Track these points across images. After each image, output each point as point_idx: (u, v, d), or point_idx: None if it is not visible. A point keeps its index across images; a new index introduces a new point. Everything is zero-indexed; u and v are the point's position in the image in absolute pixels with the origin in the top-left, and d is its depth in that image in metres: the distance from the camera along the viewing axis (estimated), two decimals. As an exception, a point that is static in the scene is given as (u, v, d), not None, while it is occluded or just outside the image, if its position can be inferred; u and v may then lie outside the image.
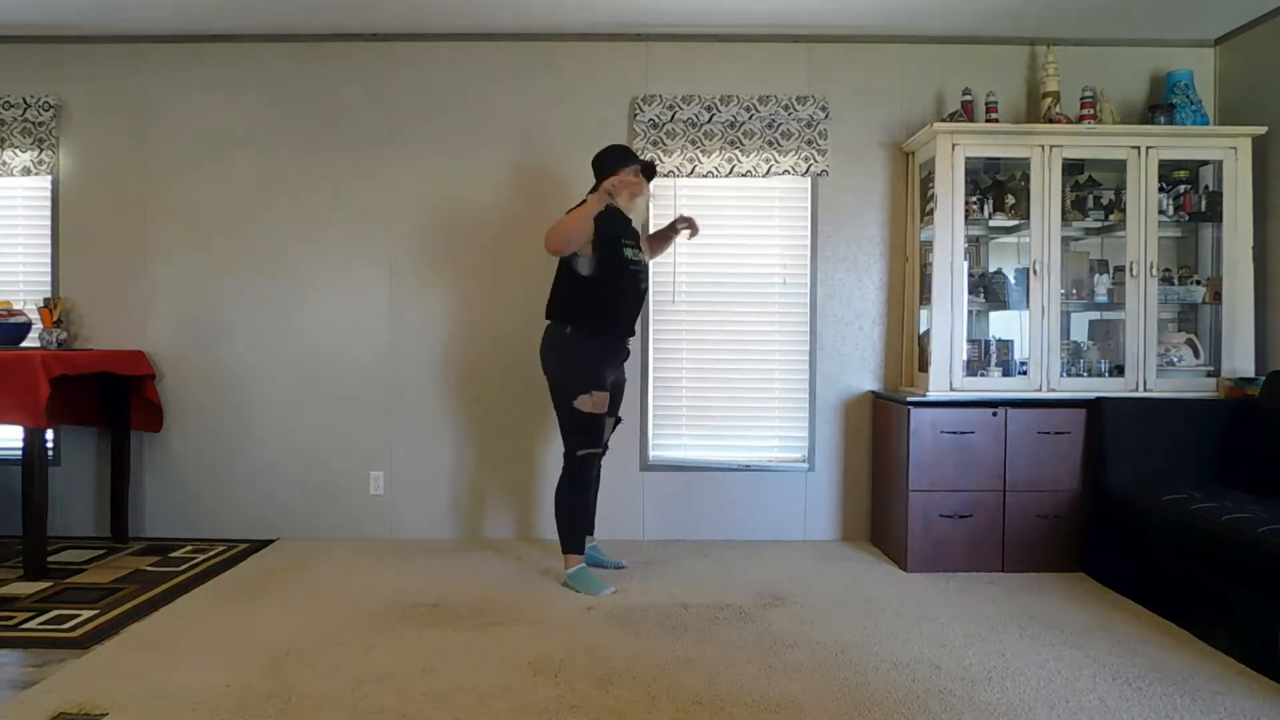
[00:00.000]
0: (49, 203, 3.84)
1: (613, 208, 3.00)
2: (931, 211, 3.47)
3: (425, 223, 3.83)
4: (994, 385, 3.44)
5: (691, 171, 3.74)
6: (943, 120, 3.52)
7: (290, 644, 2.53)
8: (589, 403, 3.00)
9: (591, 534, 3.36)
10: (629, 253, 3.04)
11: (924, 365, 3.56)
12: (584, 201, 3.00)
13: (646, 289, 3.20)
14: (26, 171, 3.79)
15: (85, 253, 3.83)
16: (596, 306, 3.01)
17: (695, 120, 3.74)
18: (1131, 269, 3.44)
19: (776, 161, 3.75)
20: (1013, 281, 3.59)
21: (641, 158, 3.08)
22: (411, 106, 3.82)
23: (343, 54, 3.82)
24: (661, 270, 3.83)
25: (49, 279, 3.85)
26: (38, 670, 2.34)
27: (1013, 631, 2.69)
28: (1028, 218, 3.45)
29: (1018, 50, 3.82)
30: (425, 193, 3.83)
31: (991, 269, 3.70)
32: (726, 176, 3.75)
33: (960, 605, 2.95)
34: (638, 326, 3.76)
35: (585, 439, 3.04)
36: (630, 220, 3.13)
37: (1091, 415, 3.33)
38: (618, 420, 3.32)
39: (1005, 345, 3.58)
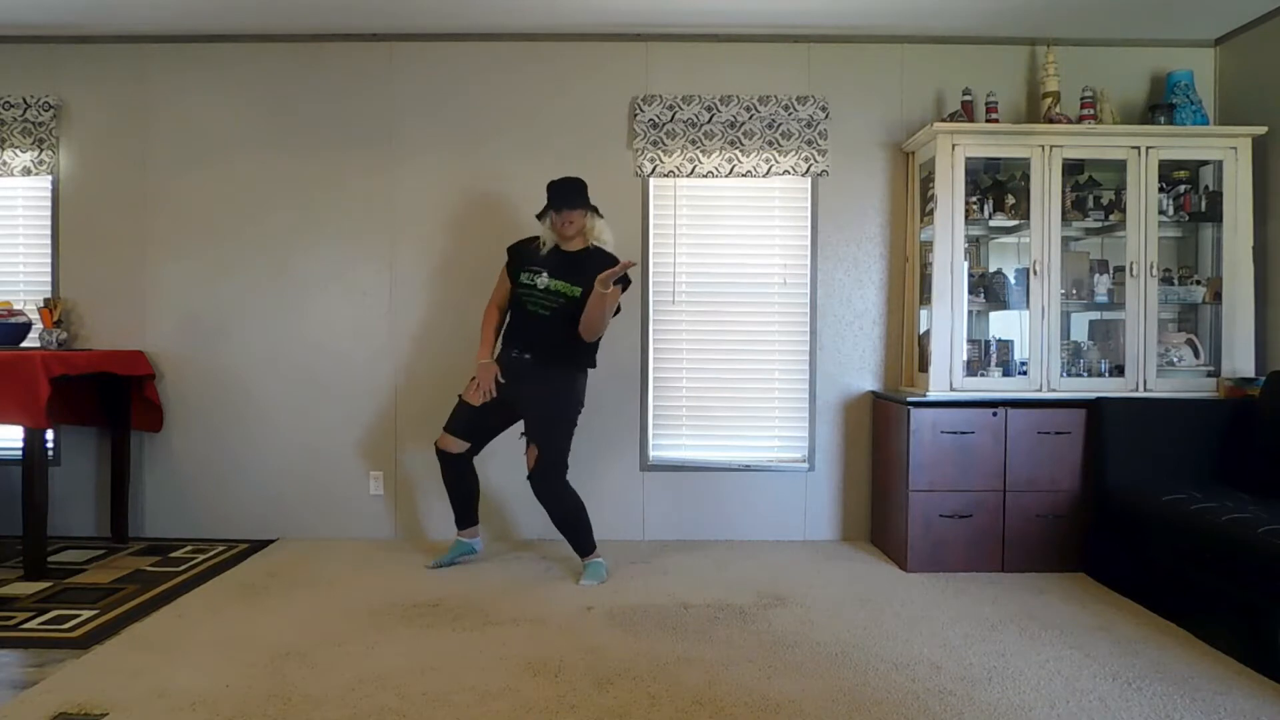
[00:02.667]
0: (49, 203, 3.84)
1: (530, 244, 3.27)
2: (931, 211, 3.47)
3: (425, 222, 3.83)
4: (994, 385, 3.44)
5: (691, 172, 3.74)
6: (943, 120, 3.51)
7: (290, 644, 2.53)
8: (466, 387, 3.28)
9: (465, 526, 3.41)
10: (524, 277, 3.21)
11: (924, 365, 3.56)
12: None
13: (545, 314, 3.13)
14: (26, 171, 3.79)
15: (85, 253, 3.83)
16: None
17: (695, 120, 3.74)
18: (1131, 269, 3.44)
19: (776, 161, 3.75)
20: (1013, 281, 3.59)
21: (558, 196, 3.15)
22: (412, 106, 3.83)
23: (343, 54, 3.83)
24: (662, 270, 3.83)
25: (49, 279, 3.85)
26: (38, 670, 2.34)
27: (1013, 631, 2.69)
28: (1028, 218, 3.45)
29: (1018, 50, 3.82)
30: (425, 192, 3.83)
31: (991, 269, 3.70)
32: (726, 177, 3.75)
33: (960, 605, 2.95)
34: (635, 326, 3.79)
35: (448, 420, 3.30)
36: (557, 247, 3.19)
37: (1091, 415, 3.33)
38: (538, 449, 3.14)
39: (1005, 345, 3.58)
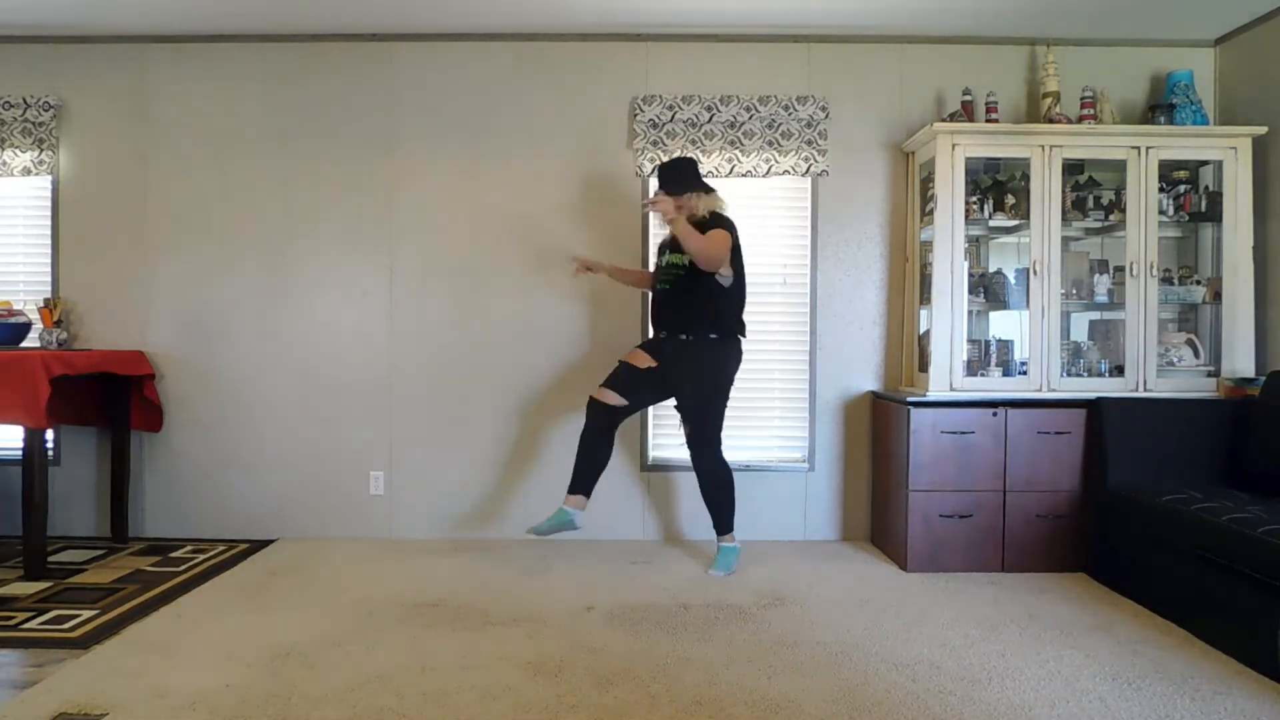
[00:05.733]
0: (49, 203, 3.84)
1: None
2: (931, 211, 3.47)
3: (425, 222, 3.83)
4: (994, 385, 3.44)
5: (691, 171, 3.74)
6: (943, 120, 3.52)
7: (290, 644, 2.53)
8: (628, 353, 3.42)
9: (575, 493, 3.26)
10: (660, 259, 3.37)
11: (924, 365, 3.56)
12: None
13: (667, 286, 3.28)
14: (26, 171, 3.79)
15: (85, 253, 3.83)
16: None
17: (695, 120, 3.74)
18: (1131, 269, 3.44)
19: (776, 161, 3.75)
20: (1013, 281, 3.59)
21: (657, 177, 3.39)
22: (412, 106, 3.82)
23: (344, 54, 3.83)
24: (661, 270, 3.84)
25: (49, 279, 3.85)
26: (38, 670, 2.34)
27: (1013, 631, 2.69)
28: (1028, 218, 3.45)
29: (1018, 50, 3.82)
30: (425, 192, 3.83)
31: (991, 269, 3.70)
32: (726, 177, 3.75)
33: (960, 605, 2.95)
34: (635, 325, 3.79)
35: (606, 378, 3.37)
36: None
37: (1091, 415, 3.33)
38: (689, 425, 3.26)
39: (1005, 345, 3.58)
